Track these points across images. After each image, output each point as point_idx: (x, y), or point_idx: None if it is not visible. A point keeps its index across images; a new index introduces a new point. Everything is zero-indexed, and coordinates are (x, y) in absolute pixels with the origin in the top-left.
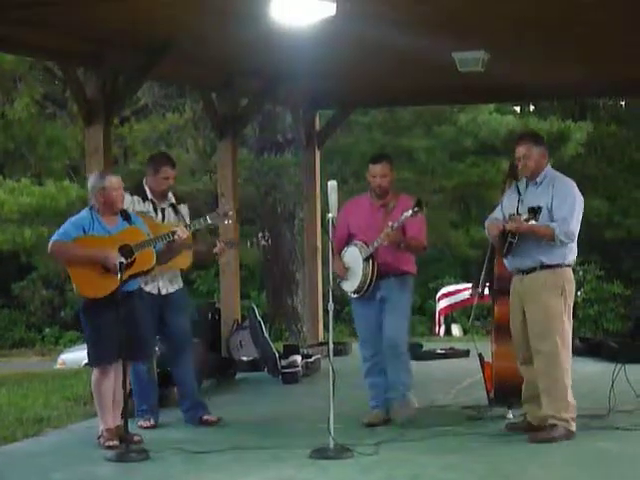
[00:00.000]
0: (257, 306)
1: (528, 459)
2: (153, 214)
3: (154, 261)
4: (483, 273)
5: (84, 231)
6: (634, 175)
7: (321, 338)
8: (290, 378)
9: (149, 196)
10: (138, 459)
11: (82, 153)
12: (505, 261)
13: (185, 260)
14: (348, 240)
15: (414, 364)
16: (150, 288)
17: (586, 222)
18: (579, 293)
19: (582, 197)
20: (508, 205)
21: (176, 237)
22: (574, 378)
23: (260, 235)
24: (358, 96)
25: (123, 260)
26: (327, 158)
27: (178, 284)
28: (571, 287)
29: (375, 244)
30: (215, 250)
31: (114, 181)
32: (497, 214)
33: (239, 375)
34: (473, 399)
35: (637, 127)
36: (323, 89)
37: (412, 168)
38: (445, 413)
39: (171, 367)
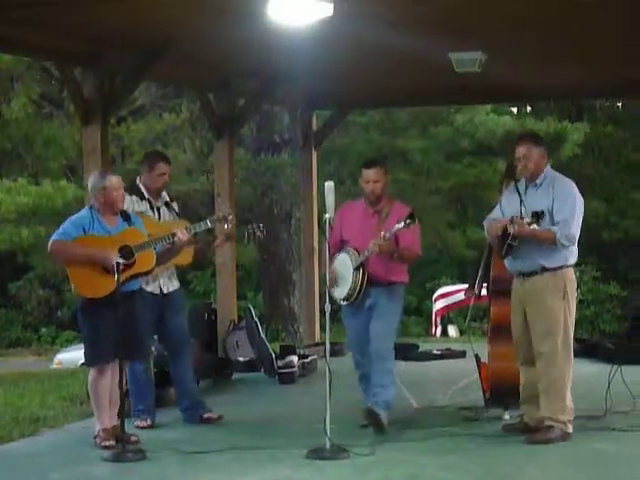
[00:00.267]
0: (254, 306)
1: (525, 460)
2: (150, 213)
3: (154, 262)
4: (480, 274)
5: (84, 231)
6: (631, 176)
7: (318, 339)
8: (287, 378)
9: (145, 195)
10: (135, 459)
11: (79, 153)
12: (505, 262)
13: (186, 257)
14: (341, 245)
15: (411, 365)
16: (152, 288)
17: (583, 223)
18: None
19: (582, 198)
20: (508, 206)
21: (176, 239)
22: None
23: (255, 226)
24: (355, 97)
25: (120, 260)
26: (324, 159)
27: (177, 282)
28: (573, 288)
29: (366, 253)
30: (215, 243)
31: (114, 181)
32: (496, 214)
33: (236, 375)
34: (470, 400)
35: (634, 128)
36: (320, 89)
37: (408, 169)
38: (442, 414)
39: (170, 366)
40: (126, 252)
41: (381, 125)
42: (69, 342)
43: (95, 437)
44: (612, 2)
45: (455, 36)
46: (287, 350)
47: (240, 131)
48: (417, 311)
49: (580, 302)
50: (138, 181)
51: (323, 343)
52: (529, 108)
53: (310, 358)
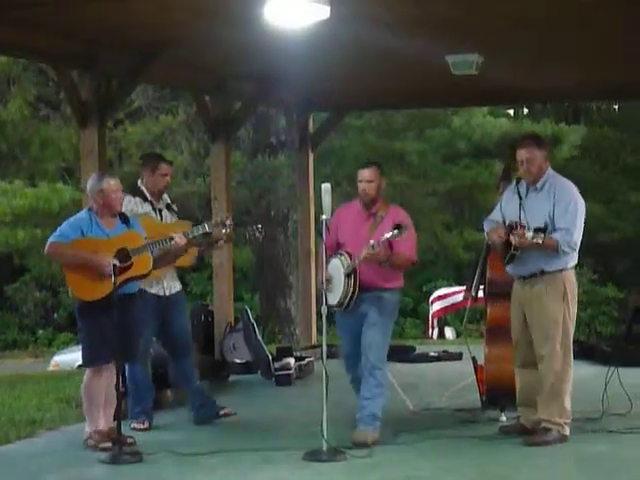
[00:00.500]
0: (250, 308)
1: (521, 462)
2: (153, 215)
3: (150, 266)
4: (476, 276)
5: (82, 233)
6: (628, 178)
7: (314, 341)
8: (283, 380)
9: (148, 197)
10: (131, 461)
11: (76, 155)
12: (507, 267)
13: (188, 258)
14: (337, 248)
15: (407, 367)
16: (156, 290)
17: None
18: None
19: (583, 201)
20: (508, 207)
21: (173, 243)
22: None
23: (254, 227)
24: (352, 99)
25: (117, 263)
26: (321, 161)
27: (179, 284)
28: (573, 291)
29: (357, 261)
30: (218, 245)
31: (112, 183)
32: (496, 215)
33: (232, 377)
34: (466, 402)
35: (631, 130)
36: (317, 92)
37: (405, 171)
38: (438, 416)
39: (174, 367)
40: (123, 255)
41: (378, 127)
42: (66, 344)
43: (86, 439)
44: (608, 5)
45: (452, 38)
46: (284, 352)
47: (237, 133)
48: (414, 313)
49: (577, 304)
50: (140, 183)
51: (320, 345)
52: (526, 110)
53: (307, 360)
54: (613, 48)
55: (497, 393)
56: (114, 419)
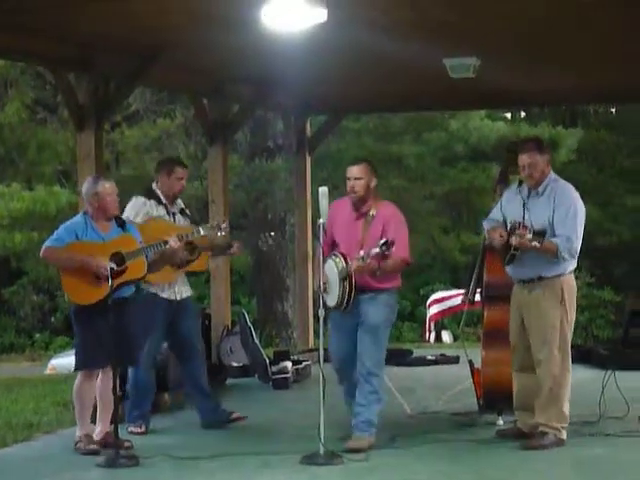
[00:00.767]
0: (247, 312)
1: (518, 466)
2: (167, 218)
3: (145, 270)
4: (473, 280)
5: (77, 237)
6: (625, 181)
7: (311, 344)
8: (280, 384)
9: (162, 200)
10: (128, 465)
11: (73, 158)
12: (507, 269)
13: (202, 263)
14: (333, 247)
15: (404, 371)
16: (168, 294)
17: None
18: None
19: (583, 206)
20: (509, 207)
21: (168, 247)
22: None
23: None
24: (349, 102)
25: (114, 266)
26: (318, 164)
27: (189, 289)
28: (572, 295)
29: (350, 267)
30: (232, 250)
31: (107, 186)
32: (496, 214)
33: (229, 381)
34: (463, 406)
35: (628, 133)
36: (314, 95)
37: (403, 174)
38: (435, 420)
39: (183, 372)
40: (118, 259)
41: (375, 131)
42: (62, 348)
43: (77, 443)
44: (605, 9)
45: (449, 42)
46: (281, 356)
47: (234, 137)
48: (411, 317)
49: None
50: (154, 186)
51: (317, 349)
52: (523, 114)
53: (304, 364)
54: (612, 50)
55: (494, 397)
56: (111, 423)
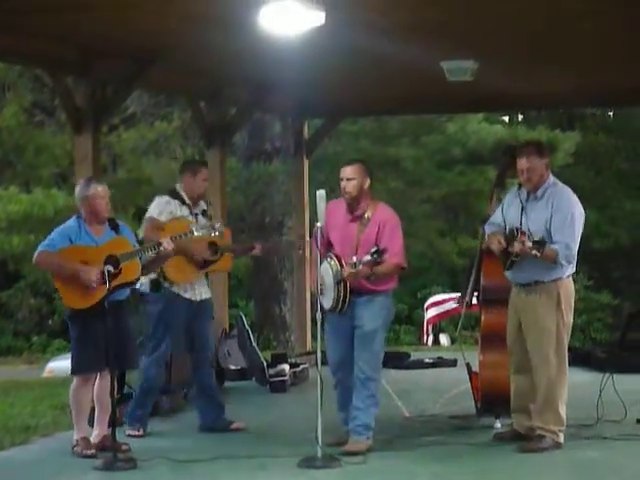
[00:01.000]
0: (245, 315)
1: (516, 468)
2: (190, 218)
3: (139, 272)
4: (470, 282)
5: (70, 241)
6: (622, 185)
7: (309, 347)
8: (278, 387)
9: (186, 201)
10: (126, 468)
11: (70, 161)
12: (506, 274)
13: (226, 263)
14: (328, 246)
15: (402, 373)
16: (189, 295)
17: None
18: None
19: (582, 210)
20: (509, 212)
21: (161, 248)
22: None
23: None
24: (347, 105)
25: (111, 269)
26: (316, 167)
27: (209, 291)
28: (569, 299)
29: (343, 273)
30: (254, 252)
31: (99, 190)
32: (497, 218)
33: (227, 384)
34: (461, 409)
35: (625, 136)
36: (312, 98)
37: (400, 178)
38: (433, 423)
39: (196, 373)
40: (112, 262)
41: (372, 133)
42: (60, 351)
43: (74, 446)
44: (601, 13)
45: (447, 45)
46: (278, 358)
47: (232, 139)
48: (408, 320)
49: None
50: (178, 187)
51: (314, 352)
52: (520, 117)
53: (301, 367)
54: (612, 52)
55: (492, 400)
56: (109, 426)
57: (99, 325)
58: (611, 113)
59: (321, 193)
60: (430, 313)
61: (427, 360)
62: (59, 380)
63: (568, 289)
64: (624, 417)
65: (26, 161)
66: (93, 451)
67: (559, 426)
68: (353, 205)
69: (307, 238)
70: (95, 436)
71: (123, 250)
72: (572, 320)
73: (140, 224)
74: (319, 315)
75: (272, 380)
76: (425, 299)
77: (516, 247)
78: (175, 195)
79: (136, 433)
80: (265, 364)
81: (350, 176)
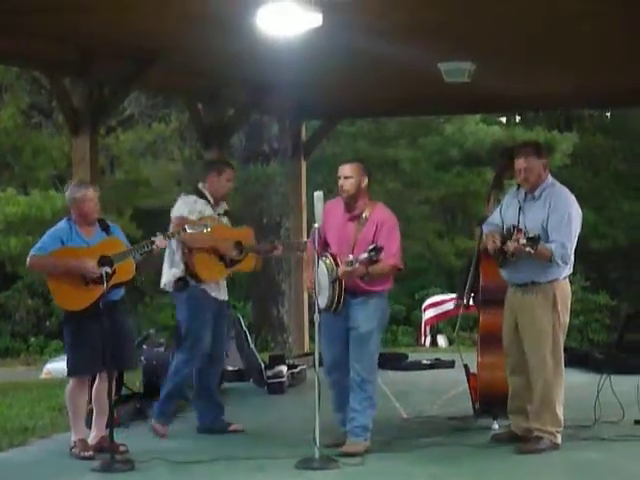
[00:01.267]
0: (243, 316)
1: (514, 469)
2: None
3: (133, 271)
4: (468, 283)
5: (62, 243)
6: (620, 185)
7: (307, 348)
8: (276, 388)
9: (210, 201)
10: (123, 469)
11: (68, 163)
12: (502, 272)
13: (250, 263)
14: (325, 246)
15: (400, 375)
16: (215, 294)
17: None
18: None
19: (579, 211)
20: (508, 212)
21: (155, 247)
22: None
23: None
24: (345, 106)
25: (109, 270)
26: (313, 168)
27: (227, 293)
28: (565, 301)
29: (338, 272)
30: (276, 252)
31: (88, 192)
32: (495, 219)
33: (225, 385)
34: (459, 410)
35: (623, 137)
36: (310, 99)
37: (398, 179)
38: (431, 424)
39: (202, 373)
40: (106, 262)
41: (370, 135)
42: (58, 352)
43: (72, 448)
44: (599, 14)
45: (445, 46)
46: (276, 360)
47: (229, 141)
48: (406, 321)
49: (569, 313)
50: (201, 187)
51: (312, 353)
52: (518, 118)
53: (299, 368)
54: (611, 52)
55: (490, 401)
56: (106, 427)
57: (94, 326)
58: (609, 114)
59: (319, 194)
60: (428, 314)
61: (425, 361)
62: (57, 381)
63: (564, 290)
64: (622, 418)
65: (24, 163)
66: (91, 453)
67: (556, 427)
68: (351, 204)
69: (305, 239)
70: (93, 437)
71: (116, 250)
72: (568, 321)
73: (138, 225)
74: (317, 316)
75: (270, 381)
76: (423, 300)
77: (510, 246)
78: (200, 194)
79: (160, 430)
80: (263, 365)
81: (348, 174)
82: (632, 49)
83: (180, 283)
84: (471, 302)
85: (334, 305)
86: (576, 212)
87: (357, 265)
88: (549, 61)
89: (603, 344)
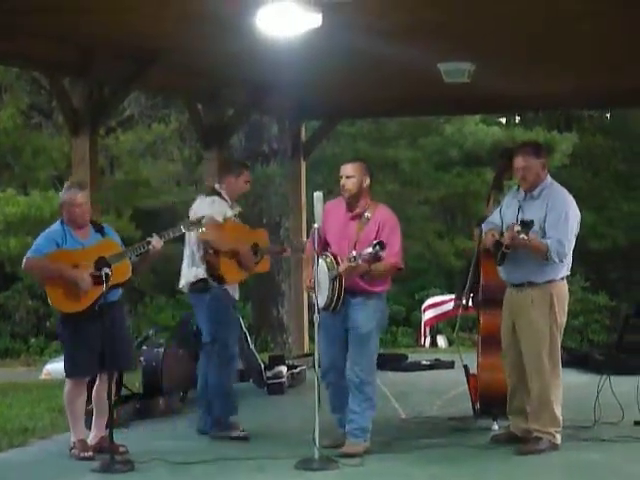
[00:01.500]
0: (242, 317)
1: (513, 470)
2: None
3: (130, 272)
4: (467, 284)
5: (58, 245)
6: (620, 186)
7: (307, 349)
8: (276, 389)
9: (228, 202)
10: (123, 470)
11: (68, 163)
12: (499, 271)
13: (265, 265)
14: (324, 246)
15: (399, 375)
16: (233, 294)
17: None
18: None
19: (578, 212)
20: (507, 212)
21: (151, 247)
22: None
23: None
24: (344, 107)
25: (109, 271)
26: (313, 169)
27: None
28: (562, 302)
29: (340, 269)
30: (285, 254)
31: (77, 197)
32: (494, 218)
33: None
34: (458, 410)
35: (622, 138)
36: (309, 100)
37: (398, 179)
38: (430, 424)
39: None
40: (102, 264)
41: (370, 135)
42: (57, 352)
43: (71, 449)
44: (598, 14)
45: (445, 46)
46: (276, 360)
47: (229, 141)
48: (406, 321)
49: (569, 312)
50: (218, 188)
51: (312, 354)
52: (518, 118)
53: (299, 369)
54: (609, 54)
55: (490, 402)
56: (106, 427)
57: (92, 328)
58: (608, 114)
59: (318, 195)
60: (427, 315)
61: (424, 362)
62: (56, 382)
63: (562, 291)
64: (621, 419)
65: (23, 163)
66: (90, 453)
67: (556, 427)
68: (352, 203)
69: (304, 239)
70: (92, 437)
71: (111, 252)
72: (565, 322)
73: (138, 225)
74: (317, 317)
75: (269, 382)
76: (423, 301)
77: (506, 236)
78: (220, 195)
79: (242, 435)
80: (263, 366)
81: (350, 174)
82: (632, 49)
83: (200, 284)
84: (470, 303)
85: (333, 303)
86: (574, 212)
87: (360, 261)
88: (549, 61)
89: (603, 345)
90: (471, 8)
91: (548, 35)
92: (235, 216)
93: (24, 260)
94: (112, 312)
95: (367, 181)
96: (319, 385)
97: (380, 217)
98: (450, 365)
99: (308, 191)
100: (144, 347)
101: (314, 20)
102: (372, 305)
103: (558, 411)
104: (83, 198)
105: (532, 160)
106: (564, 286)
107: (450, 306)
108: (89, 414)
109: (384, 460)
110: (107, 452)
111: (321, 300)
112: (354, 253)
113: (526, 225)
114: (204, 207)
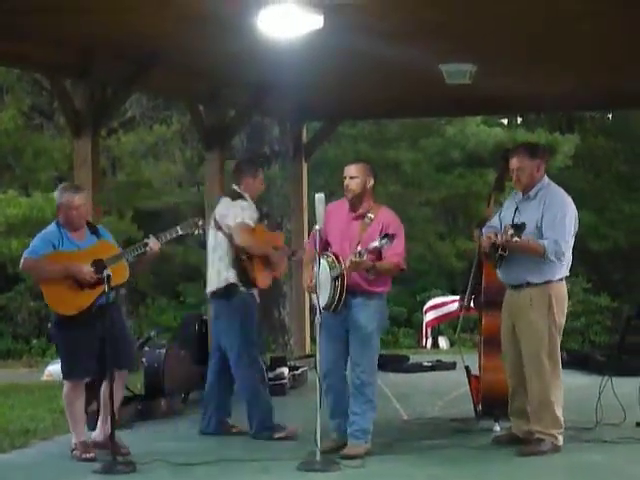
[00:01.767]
0: None
1: (515, 472)
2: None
3: (127, 274)
4: (469, 285)
5: (54, 247)
6: (621, 187)
7: (308, 350)
8: (277, 390)
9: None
10: (125, 471)
11: (70, 165)
12: (498, 272)
13: (281, 268)
14: (325, 247)
15: (401, 376)
16: (256, 295)
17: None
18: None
19: (575, 213)
20: (506, 214)
21: (148, 249)
22: None
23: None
24: (346, 108)
25: (110, 272)
26: (314, 170)
27: None
28: (561, 303)
29: (344, 266)
30: (295, 257)
31: (73, 199)
32: (494, 222)
33: None
34: (460, 412)
35: (624, 139)
36: (311, 101)
37: (399, 181)
38: (432, 425)
39: (223, 378)
40: (100, 266)
41: (371, 137)
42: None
43: (73, 450)
44: (599, 15)
45: (446, 47)
46: (278, 362)
47: (230, 142)
48: (407, 322)
49: (570, 313)
50: (239, 189)
51: (313, 355)
52: (520, 120)
53: (301, 370)
54: (610, 54)
55: (492, 403)
56: (111, 427)
57: (89, 330)
58: (610, 116)
59: (320, 196)
60: (429, 316)
61: (426, 363)
62: (58, 383)
63: (560, 292)
64: (623, 420)
65: (25, 164)
66: (92, 454)
67: (557, 429)
68: (355, 204)
69: (305, 240)
70: (98, 434)
71: (108, 253)
72: (564, 322)
73: (139, 226)
74: (318, 318)
75: (271, 383)
76: (424, 302)
77: (500, 238)
78: (244, 198)
79: (287, 434)
80: (264, 367)
81: (353, 174)
82: (632, 49)
83: (230, 288)
84: (472, 304)
85: (335, 302)
86: (571, 212)
87: (365, 257)
88: (549, 61)
89: (604, 346)
90: (471, 8)
91: (548, 35)
92: (260, 219)
93: (22, 260)
94: (111, 313)
95: (371, 182)
96: (321, 386)
97: (383, 218)
98: (451, 366)
99: (309, 192)
100: (146, 348)
101: (315, 21)
102: (373, 306)
103: (559, 412)
104: (81, 200)
105: (526, 161)
106: (563, 287)
107: (451, 307)
108: (93, 414)
109: (385, 461)
110: (110, 452)
111: (322, 300)
112: (359, 248)
113: (518, 228)
114: (237, 212)
